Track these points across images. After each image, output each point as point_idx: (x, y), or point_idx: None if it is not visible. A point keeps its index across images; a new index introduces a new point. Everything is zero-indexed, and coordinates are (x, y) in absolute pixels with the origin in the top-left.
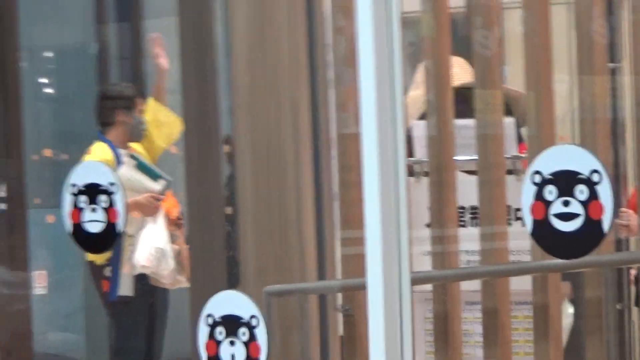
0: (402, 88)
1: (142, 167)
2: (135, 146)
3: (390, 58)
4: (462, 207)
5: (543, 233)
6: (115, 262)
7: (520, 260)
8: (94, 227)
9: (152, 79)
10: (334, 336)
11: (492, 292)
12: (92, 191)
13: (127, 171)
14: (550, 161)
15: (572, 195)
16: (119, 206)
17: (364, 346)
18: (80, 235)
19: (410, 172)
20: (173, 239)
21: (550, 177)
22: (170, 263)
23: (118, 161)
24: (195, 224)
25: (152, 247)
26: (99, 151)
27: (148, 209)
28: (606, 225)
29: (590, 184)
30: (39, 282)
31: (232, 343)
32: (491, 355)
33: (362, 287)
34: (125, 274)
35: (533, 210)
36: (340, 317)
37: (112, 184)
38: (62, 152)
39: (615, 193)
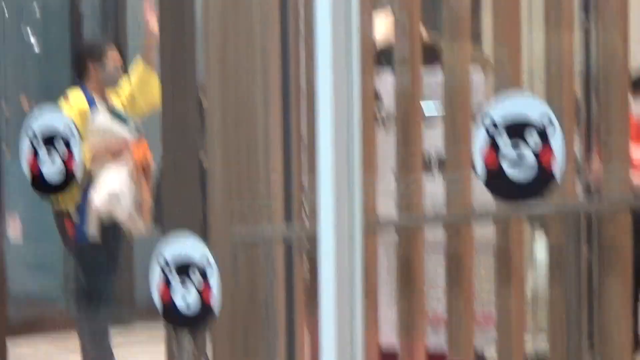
0: (358, 29)
1: (116, 116)
2: (117, 101)
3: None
4: (428, 155)
5: (495, 180)
6: (83, 205)
7: (484, 206)
8: (53, 176)
9: (138, 38)
10: (299, 281)
11: (456, 238)
12: (50, 139)
13: (102, 119)
14: (503, 109)
15: (524, 142)
16: (77, 154)
17: None
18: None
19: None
20: (139, 186)
21: (502, 124)
22: (126, 208)
23: (92, 108)
24: (170, 174)
25: (107, 190)
26: (74, 98)
27: (119, 154)
28: (557, 172)
29: (543, 131)
30: (13, 230)
31: (185, 286)
32: (454, 300)
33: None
34: (92, 216)
35: (485, 157)
36: (305, 262)
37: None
38: (39, 102)
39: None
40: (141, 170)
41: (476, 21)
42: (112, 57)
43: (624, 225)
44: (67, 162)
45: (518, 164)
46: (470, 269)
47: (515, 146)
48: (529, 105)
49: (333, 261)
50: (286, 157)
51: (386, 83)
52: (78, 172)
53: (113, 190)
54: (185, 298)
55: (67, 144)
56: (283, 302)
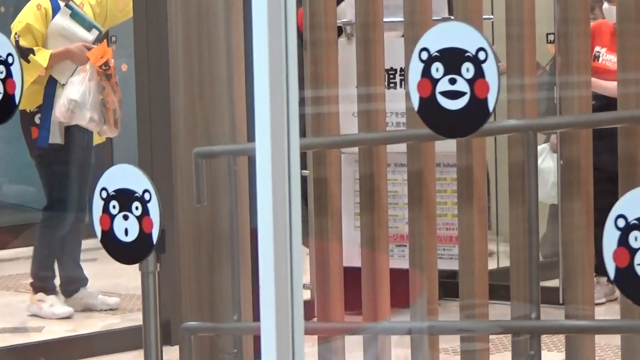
0: None
1: (76, 16)
2: (87, 6)
3: None
4: (393, 69)
5: (429, 111)
6: (46, 110)
7: None
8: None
9: None
10: None
11: (418, 153)
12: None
13: (62, 20)
14: (437, 38)
15: (458, 73)
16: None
17: None
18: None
19: (341, 33)
20: (100, 89)
21: (437, 54)
22: (86, 115)
23: (54, 8)
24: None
25: (66, 98)
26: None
27: (79, 57)
28: (491, 103)
29: (477, 61)
30: None
31: (125, 217)
32: (416, 216)
33: None
34: (55, 122)
35: (419, 87)
36: None
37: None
38: None
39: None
40: (102, 74)
41: None
42: None
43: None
44: (7, 86)
45: (452, 94)
46: (432, 186)
47: (450, 79)
48: (464, 34)
49: (270, 179)
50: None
51: None
52: (17, 97)
53: (71, 97)
54: (124, 227)
55: (8, 69)
56: (247, 215)
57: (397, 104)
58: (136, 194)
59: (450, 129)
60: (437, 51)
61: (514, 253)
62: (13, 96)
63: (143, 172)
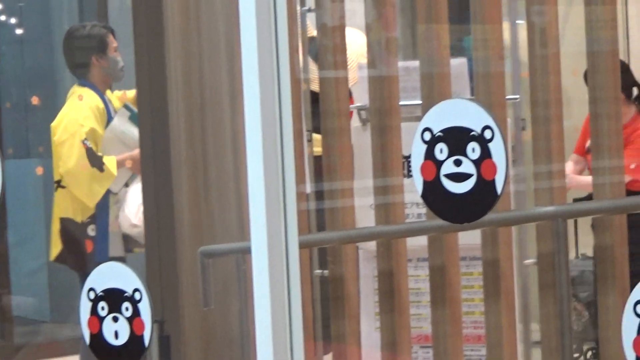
0: (286, 31)
1: (134, 119)
2: (113, 95)
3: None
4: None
5: (434, 195)
6: (102, 220)
7: None
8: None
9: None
10: None
11: (440, 247)
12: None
13: (121, 123)
14: (440, 117)
15: (464, 153)
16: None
17: (307, 309)
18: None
19: (358, 119)
20: None
21: (440, 134)
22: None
23: (107, 108)
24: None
25: (138, 207)
26: (89, 98)
27: (139, 165)
28: (499, 185)
29: (483, 141)
30: None
31: (115, 319)
32: (440, 315)
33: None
34: (114, 232)
35: (423, 170)
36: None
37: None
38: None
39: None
40: None
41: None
42: (114, 47)
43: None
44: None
45: (457, 176)
46: (457, 282)
47: (455, 161)
48: (469, 112)
49: (267, 279)
50: None
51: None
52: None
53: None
54: (114, 330)
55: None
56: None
57: (418, 194)
58: (126, 294)
59: (457, 213)
60: (441, 131)
61: (546, 355)
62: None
63: (132, 270)
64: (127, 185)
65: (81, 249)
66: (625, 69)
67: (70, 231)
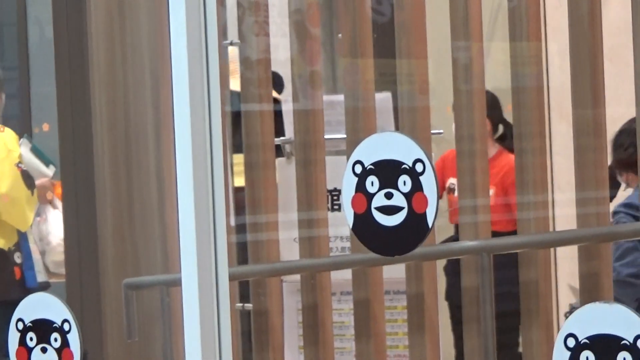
0: (217, 70)
1: (35, 151)
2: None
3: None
4: (337, 190)
5: (365, 228)
6: (25, 247)
7: None
8: None
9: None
10: None
11: (364, 281)
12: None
13: (27, 153)
14: (371, 150)
15: (395, 186)
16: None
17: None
18: None
19: (281, 153)
20: None
21: (371, 167)
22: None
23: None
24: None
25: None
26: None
27: (46, 194)
28: (430, 218)
29: (414, 174)
30: None
31: (43, 350)
32: (364, 348)
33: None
34: (37, 259)
35: (354, 203)
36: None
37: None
38: None
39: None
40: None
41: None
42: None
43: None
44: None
45: (388, 209)
46: (381, 315)
47: (386, 194)
48: (400, 146)
49: (197, 310)
50: None
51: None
52: None
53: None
54: None
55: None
56: (182, 352)
57: (342, 228)
58: (55, 325)
59: (388, 246)
60: (372, 164)
61: None
62: None
63: (62, 301)
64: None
65: (10, 277)
66: (494, 104)
67: None
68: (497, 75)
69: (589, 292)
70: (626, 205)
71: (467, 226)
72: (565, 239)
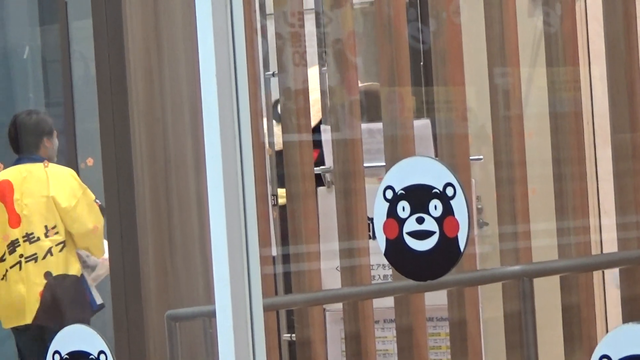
0: (246, 94)
1: None
2: None
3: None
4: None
5: (397, 253)
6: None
7: None
8: None
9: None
10: None
11: (407, 308)
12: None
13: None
14: (402, 175)
15: (426, 211)
16: None
17: None
18: None
19: (322, 182)
20: None
21: (402, 192)
22: None
23: None
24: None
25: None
26: (54, 168)
27: None
28: (462, 242)
29: (445, 198)
30: None
31: None
32: None
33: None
34: (90, 283)
35: (385, 228)
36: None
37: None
38: None
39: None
40: None
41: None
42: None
43: None
44: None
45: (420, 234)
46: (424, 343)
47: (418, 219)
48: (431, 170)
49: (232, 341)
50: None
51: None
52: None
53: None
54: None
55: None
56: None
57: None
58: (91, 356)
59: (421, 271)
60: (403, 189)
61: None
62: None
63: (97, 332)
64: None
65: (84, 300)
66: None
67: (65, 287)
68: (540, 101)
69: (631, 316)
70: None
71: (507, 252)
72: (605, 262)
